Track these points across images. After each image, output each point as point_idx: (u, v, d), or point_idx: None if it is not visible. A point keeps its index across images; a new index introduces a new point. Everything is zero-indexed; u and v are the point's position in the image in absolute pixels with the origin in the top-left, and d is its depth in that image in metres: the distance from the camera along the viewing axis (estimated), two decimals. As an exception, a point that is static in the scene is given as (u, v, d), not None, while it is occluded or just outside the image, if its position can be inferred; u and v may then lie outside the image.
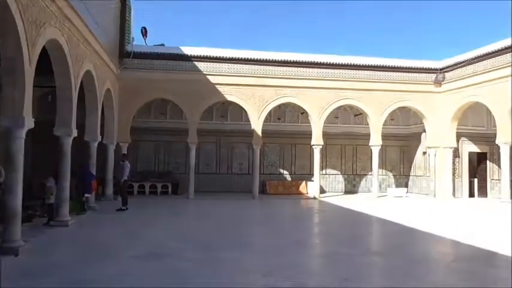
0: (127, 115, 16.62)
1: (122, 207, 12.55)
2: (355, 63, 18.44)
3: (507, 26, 36.28)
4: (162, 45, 18.48)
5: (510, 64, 15.42)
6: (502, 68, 15.78)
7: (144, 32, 18.58)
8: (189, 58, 17.23)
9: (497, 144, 16.47)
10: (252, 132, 17.76)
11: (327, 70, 18.25)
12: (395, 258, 7.03)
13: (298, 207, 15.71)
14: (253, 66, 17.68)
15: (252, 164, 18.53)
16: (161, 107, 19.59)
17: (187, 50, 17.33)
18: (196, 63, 17.27)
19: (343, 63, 18.36)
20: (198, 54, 17.31)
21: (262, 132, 17.73)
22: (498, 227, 10.76)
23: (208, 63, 17.35)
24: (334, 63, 18.29)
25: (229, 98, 17.63)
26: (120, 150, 15.82)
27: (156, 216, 12.22)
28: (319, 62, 18.13)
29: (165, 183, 18.71)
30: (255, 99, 17.67)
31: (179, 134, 18.33)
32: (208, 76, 17.31)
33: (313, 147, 18.43)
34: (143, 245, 7.55)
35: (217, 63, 17.42)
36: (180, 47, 17.37)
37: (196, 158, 18.13)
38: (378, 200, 17.95)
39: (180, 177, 18.91)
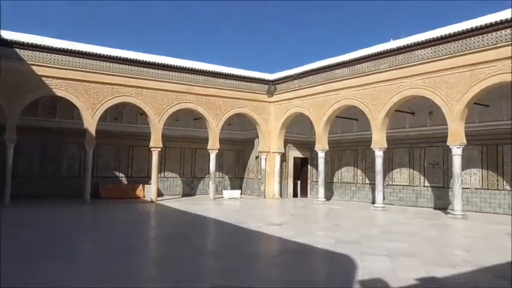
0: None
1: None
2: (195, 68, 18.85)
3: (332, 46, 42.42)
4: (-27, 25, 15.64)
5: (327, 81, 17.93)
6: (321, 84, 18.22)
7: None
8: (8, 43, 14.97)
9: (315, 151, 18.92)
10: (84, 132, 16.45)
11: (167, 72, 18.17)
12: (227, 257, 7.38)
13: (134, 211, 15.14)
14: (86, 61, 16.39)
15: (84, 166, 17.15)
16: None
17: (6, 35, 15.06)
18: (17, 50, 15.12)
19: (182, 66, 18.60)
20: (20, 41, 15.17)
21: (96, 132, 16.58)
22: (315, 225, 12.41)
23: (33, 52, 15.38)
24: (173, 65, 18.37)
25: (58, 92, 15.96)
26: None
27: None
28: (157, 62, 17.92)
29: (-29, 188, 15.82)
30: (88, 96, 16.42)
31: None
32: (33, 66, 15.35)
33: (152, 149, 18.08)
34: None
35: (45, 53, 15.59)
36: (-3, 30, 15.00)
37: (16, 158, 15.85)
38: (214, 201, 18.62)
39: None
